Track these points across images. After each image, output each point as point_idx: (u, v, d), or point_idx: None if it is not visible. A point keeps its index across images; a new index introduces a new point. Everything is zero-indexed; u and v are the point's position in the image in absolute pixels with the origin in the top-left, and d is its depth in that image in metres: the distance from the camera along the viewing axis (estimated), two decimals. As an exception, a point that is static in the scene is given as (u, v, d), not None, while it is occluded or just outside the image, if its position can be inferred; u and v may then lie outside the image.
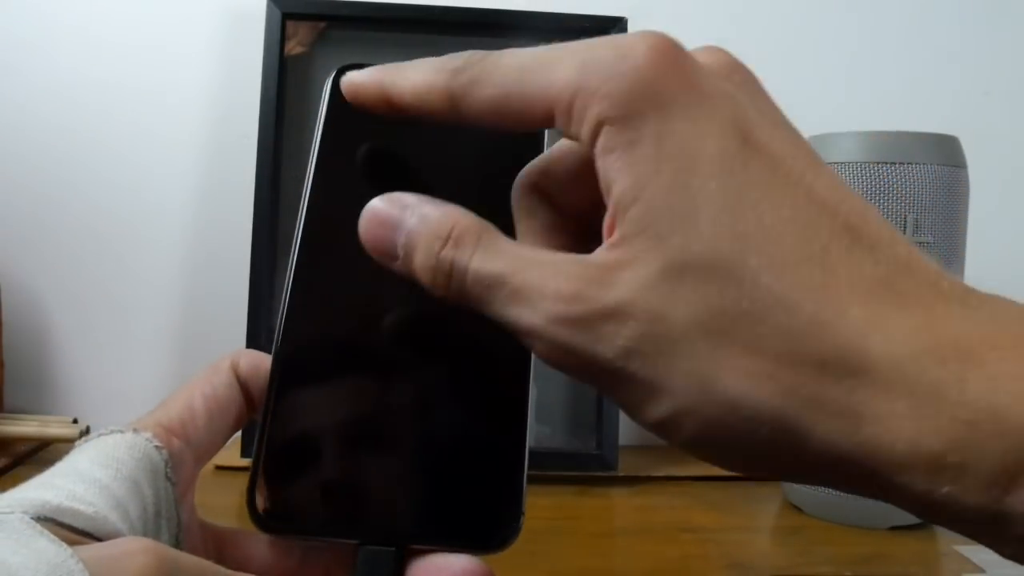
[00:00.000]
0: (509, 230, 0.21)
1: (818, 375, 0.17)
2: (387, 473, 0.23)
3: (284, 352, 0.24)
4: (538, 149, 0.24)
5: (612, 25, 0.67)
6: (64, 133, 0.72)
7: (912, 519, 0.54)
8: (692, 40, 0.21)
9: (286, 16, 0.66)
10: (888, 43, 0.78)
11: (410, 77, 0.21)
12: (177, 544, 0.22)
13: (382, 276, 0.21)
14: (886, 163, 0.53)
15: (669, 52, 0.19)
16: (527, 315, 0.19)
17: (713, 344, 0.17)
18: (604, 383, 0.19)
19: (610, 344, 0.18)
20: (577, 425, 0.67)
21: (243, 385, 0.24)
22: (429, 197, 0.21)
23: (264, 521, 0.22)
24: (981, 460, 0.16)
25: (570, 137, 0.20)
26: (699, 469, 0.63)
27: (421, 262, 0.20)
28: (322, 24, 0.68)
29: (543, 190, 0.22)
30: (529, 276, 0.19)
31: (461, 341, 0.24)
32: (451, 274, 0.20)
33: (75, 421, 0.62)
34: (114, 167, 0.72)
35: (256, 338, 0.63)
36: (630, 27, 0.68)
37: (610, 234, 0.19)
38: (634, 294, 0.18)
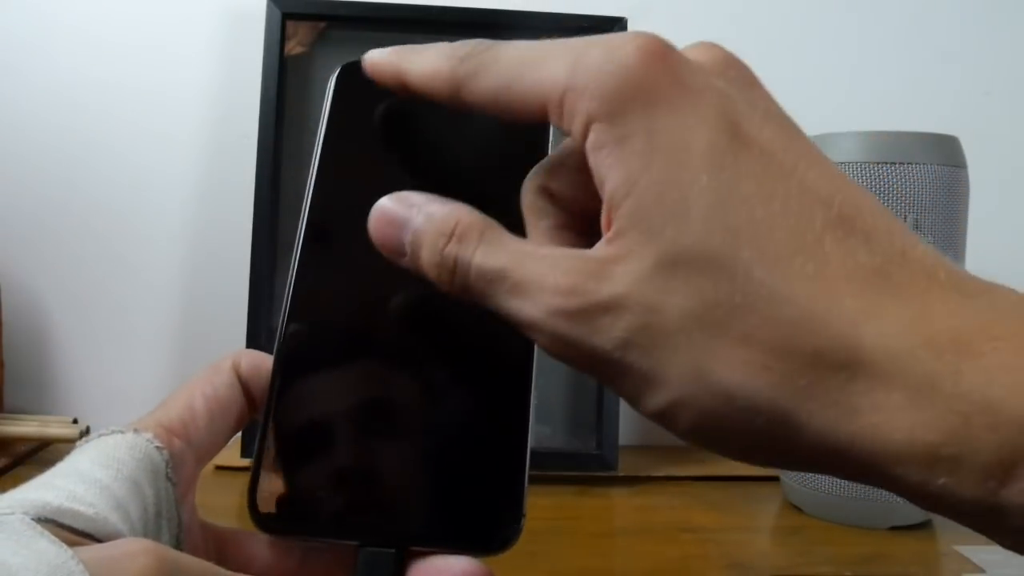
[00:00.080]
0: (514, 225, 0.21)
1: (812, 366, 0.17)
2: (388, 474, 0.23)
3: (285, 352, 0.24)
4: (542, 144, 0.24)
5: (612, 25, 0.67)
6: (64, 133, 0.72)
7: (912, 519, 0.54)
8: (692, 40, 0.21)
9: (286, 16, 0.66)
10: (888, 43, 0.78)
11: (421, 61, 0.22)
12: (178, 545, 0.21)
13: (385, 276, 0.22)
14: (886, 163, 0.53)
15: (657, 51, 0.19)
16: (528, 308, 0.19)
17: (708, 336, 0.18)
18: (604, 374, 0.19)
19: (607, 336, 0.18)
20: (577, 425, 0.67)
21: (244, 385, 0.24)
22: (436, 196, 0.21)
23: (265, 522, 0.22)
24: (976, 453, 0.16)
25: (564, 133, 0.20)
26: (699, 469, 0.63)
27: (427, 258, 0.21)
28: (322, 24, 0.68)
29: (551, 190, 0.22)
30: (529, 270, 0.19)
31: (462, 344, 0.24)
32: (455, 269, 0.20)
33: (75, 421, 0.62)
34: (114, 167, 0.72)
35: (256, 338, 0.63)
36: (630, 27, 0.68)
37: (607, 229, 0.19)
38: (629, 287, 0.18)
